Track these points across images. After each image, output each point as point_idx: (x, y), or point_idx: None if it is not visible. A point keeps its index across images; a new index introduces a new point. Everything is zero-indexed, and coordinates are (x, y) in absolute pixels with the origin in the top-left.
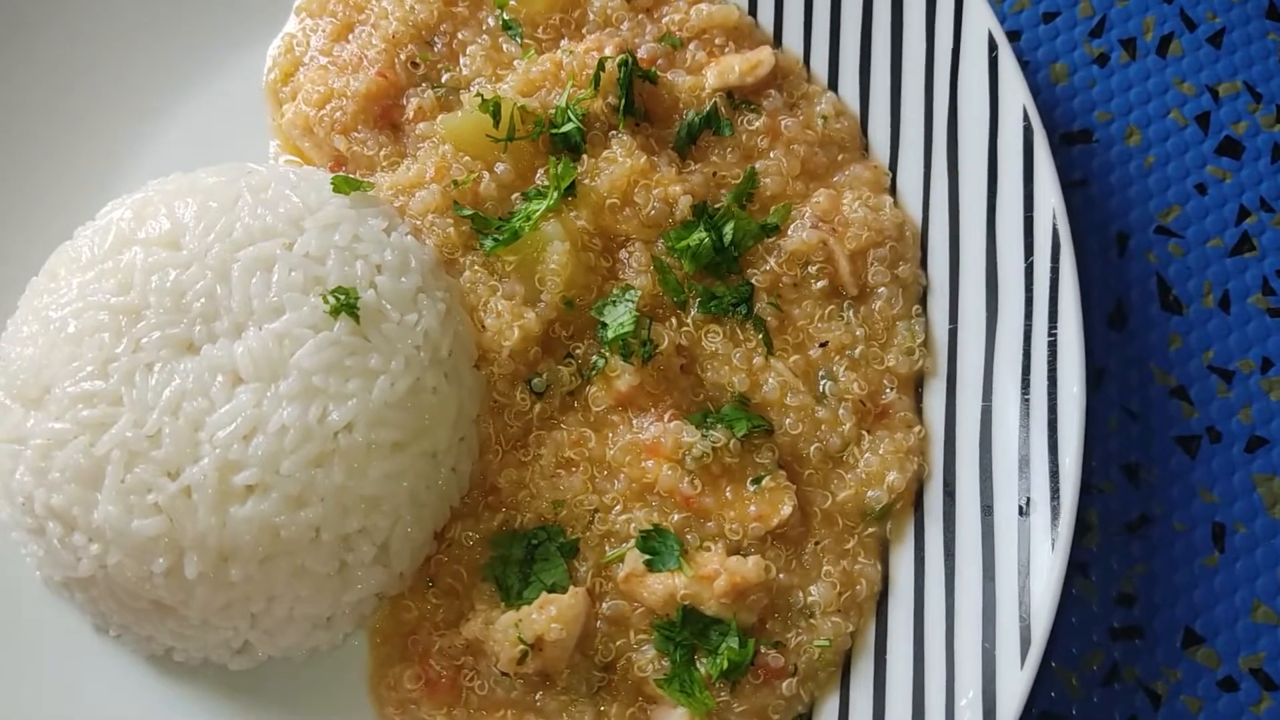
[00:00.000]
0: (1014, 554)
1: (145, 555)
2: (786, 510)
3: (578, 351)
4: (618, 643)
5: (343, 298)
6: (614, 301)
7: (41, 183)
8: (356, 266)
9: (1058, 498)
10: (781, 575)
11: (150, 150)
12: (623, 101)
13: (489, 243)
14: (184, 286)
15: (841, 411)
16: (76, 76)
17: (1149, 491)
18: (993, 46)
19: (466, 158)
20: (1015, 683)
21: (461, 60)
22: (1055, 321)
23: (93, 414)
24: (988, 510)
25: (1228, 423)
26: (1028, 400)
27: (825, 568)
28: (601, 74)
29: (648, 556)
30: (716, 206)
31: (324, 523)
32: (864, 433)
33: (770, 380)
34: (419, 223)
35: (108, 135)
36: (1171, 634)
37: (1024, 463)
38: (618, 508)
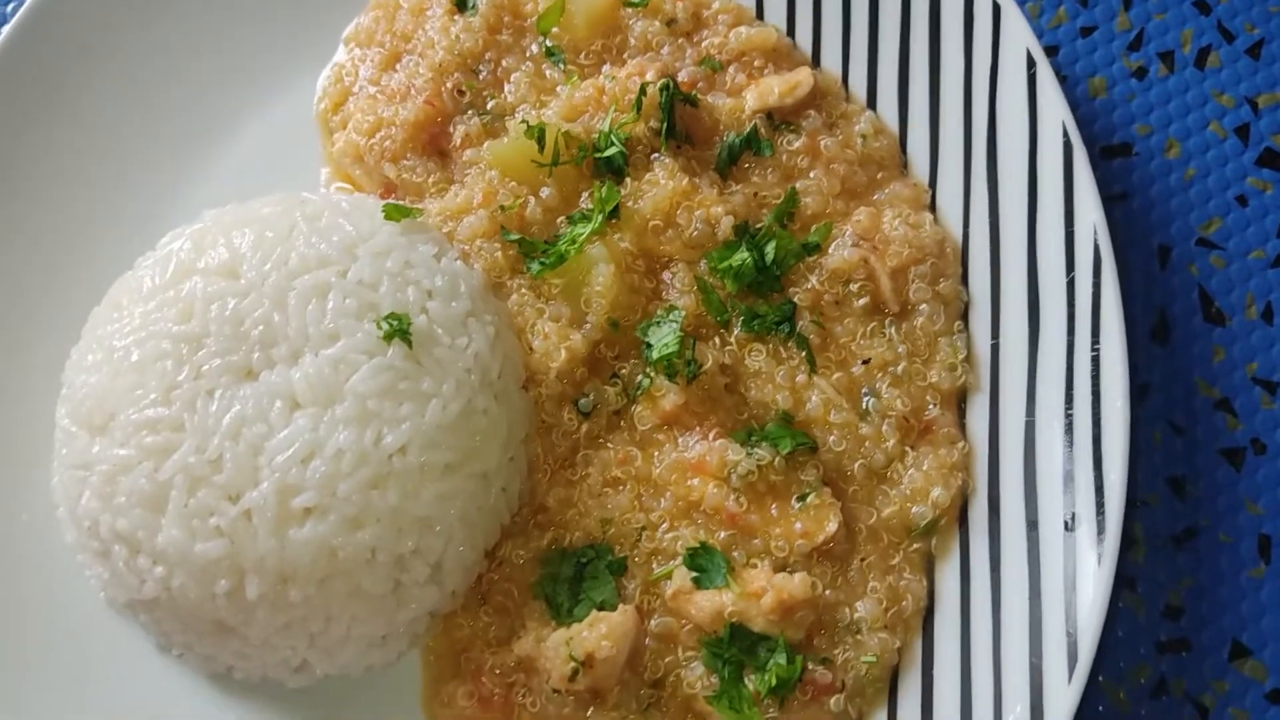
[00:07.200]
0: (1060, 569)
1: (208, 577)
2: (832, 527)
3: (623, 372)
4: (666, 659)
5: (395, 323)
6: (658, 322)
7: (102, 214)
8: (408, 292)
9: (1103, 513)
10: (828, 592)
11: (206, 180)
12: (664, 125)
13: (535, 266)
14: (242, 314)
15: (885, 428)
16: (133, 111)
17: (1195, 504)
18: (1031, 63)
19: (512, 183)
20: (1063, 697)
21: (506, 87)
22: (1098, 337)
23: (156, 440)
24: (1033, 525)
25: (1272, 434)
26: (1071, 415)
27: (871, 584)
28: (643, 98)
29: (695, 574)
30: (758, 226)
31: (379, 543)
32: (908, 449)
33: (813, 398)
34: (467, 248)
35: (165, 167)
36: (1219, 646)
37: (1068, 478)
38: (664, 525)
